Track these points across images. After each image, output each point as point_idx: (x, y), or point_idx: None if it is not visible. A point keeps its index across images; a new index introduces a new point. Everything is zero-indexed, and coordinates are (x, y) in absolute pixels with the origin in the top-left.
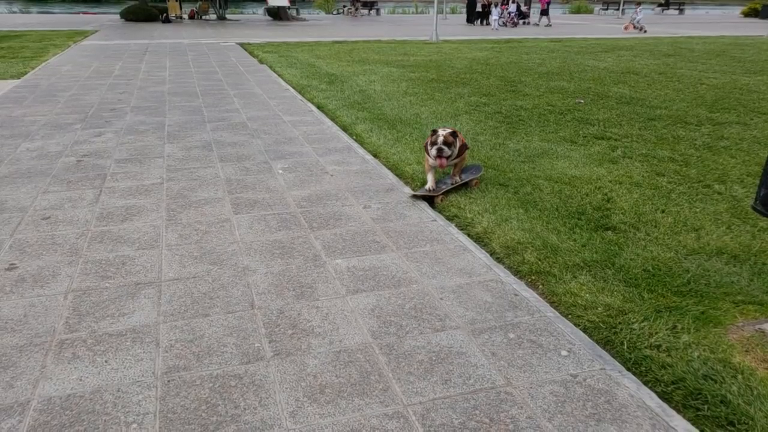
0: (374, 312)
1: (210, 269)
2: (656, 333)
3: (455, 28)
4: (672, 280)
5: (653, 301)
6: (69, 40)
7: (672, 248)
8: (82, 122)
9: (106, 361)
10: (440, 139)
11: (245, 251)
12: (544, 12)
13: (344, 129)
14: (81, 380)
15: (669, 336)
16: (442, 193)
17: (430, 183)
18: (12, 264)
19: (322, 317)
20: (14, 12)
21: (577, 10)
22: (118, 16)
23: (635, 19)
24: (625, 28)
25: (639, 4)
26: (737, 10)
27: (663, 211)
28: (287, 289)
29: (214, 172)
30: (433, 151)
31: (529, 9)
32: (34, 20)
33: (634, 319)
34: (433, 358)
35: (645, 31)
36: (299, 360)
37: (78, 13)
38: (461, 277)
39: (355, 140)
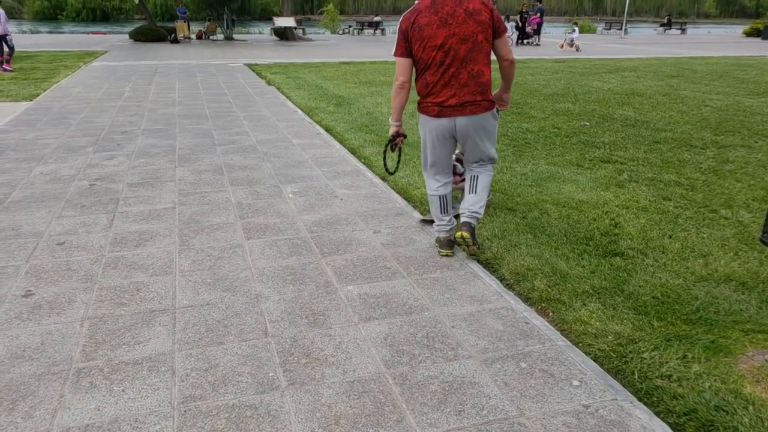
0: (387, 340)
1: (223, 296)
2: (667, 362)
3: None
4: (681, 307)
5: (663, 330)
6: (79, 61)
7: (680, 275)
8: (94, 145)
9: (123, 390)
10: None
11: (258, 277)
12: (536, 31)
13: (352, 152)
14: (99, 410)
15: (680, 366)
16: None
17: None
18: (28, 291)
19: (335, 346)
20: (24, 32)
21: (580, 30)
22: (127, 36)
23: (569, 38)
24: (560, 46)
25: (576, 24)
26: (739, 30)
27: (670, 237)
28: (300, 317)
29: (226, 196)
30: None
31: (537, 28)
32: (45, 40)
33: (645, 348)
34: (447, 388)
35: (578, 50)
36: (314, 390)
37: (87, 33)
38: (472, 305)
39: (364, 163)
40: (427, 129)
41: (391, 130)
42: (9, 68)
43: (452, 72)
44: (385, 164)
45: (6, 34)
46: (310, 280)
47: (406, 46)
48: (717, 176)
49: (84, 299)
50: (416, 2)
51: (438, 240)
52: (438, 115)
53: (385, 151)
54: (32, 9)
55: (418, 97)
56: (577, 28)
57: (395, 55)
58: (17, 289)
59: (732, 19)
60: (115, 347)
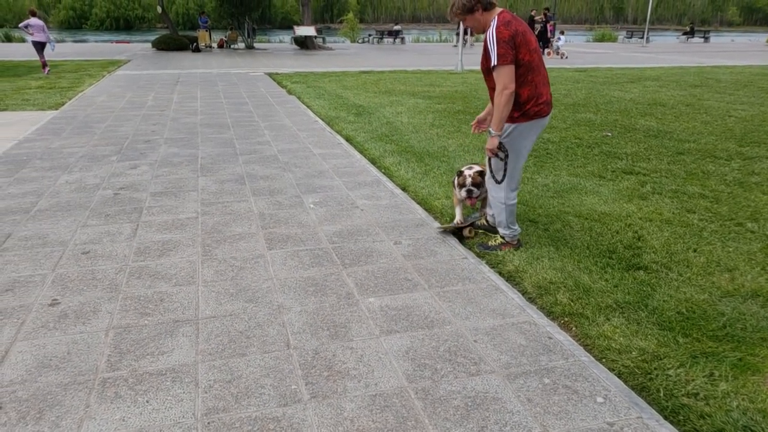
0: (408, 354)
1: (246, 307)
2: (693, 380)
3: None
4: (707, 323)
5: (688, 346)
6: (103, 70)
7: (706, 290)
8: (118, 154)
9: (147, 401)
10: (468, 181)
11: (280, 288)
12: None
13: (373, 162)
14: (124, 420)
15: (706, 384)
16: (470, 225)
17: (458, 217)
18: (54, 300)
19: (357, 359)
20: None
21: (601, 38)
22: (149, 45)
23: (555, 45)
24: (548, 54)
25: (563, 33)
26: (763, 38)
27: (695, 250)
28: (322, 329)
29: (248, 206)
30: (463, 193)
31: (551, 35)
32: (69, 49)
33: (670, 365)
34: (469, 404)
35: (566, 57)
36: (336, 403)
37: (111, 42)
38: (494, 319)
39: (384, 174)
40: (532, 132)
41: (495, 142)
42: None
43: (543, 73)
44: (493, 175)
45: (46, 42)
46: (332, 292)
47: (514, 53)
48: (743, 188)
49: (109, 309)
50: (498, 17)
51: (510, 243)
52: (547, 113)
53: (489, 162)
54: (57, 18)
55: (519, 107)
56: (563, 37)
57: (505, 63)
58: (44, 298)
59: (756, 27)
60: (139, 357)
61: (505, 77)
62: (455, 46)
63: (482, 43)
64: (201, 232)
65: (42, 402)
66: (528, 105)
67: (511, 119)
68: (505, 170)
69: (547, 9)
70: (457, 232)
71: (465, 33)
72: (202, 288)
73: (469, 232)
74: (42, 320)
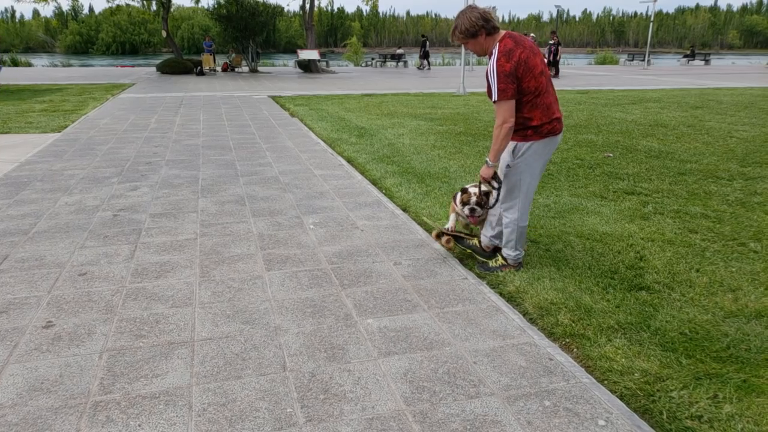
0: (407, 376)
1: (242, 329)
2: (697, 402)
3: (482, 80)
4: (710, 344)
5: (692, 368)
6: (107, 93)
7: (709, 310)
8: (119, 176)
9: (139, 425)
10: (473, 200)
11: (277, 310)
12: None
13: (374, 183)
14: None
15: (710, 406)
16: (453, 235)
17: (450, 223)
18: (49, 322)
19: (354, 381)
20: (56, 65)
21: (603, 61)
22: (154, 69)
23: None
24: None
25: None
26: (764, 61)
27: (698, 271)
28: (318, 351)
29: (247, 227)
30: (466, 211)
31: (553, 58)
32: (75, 73)
33: (673, 387)
34: (468, 427)
35: None
36: (332, 427)
37: (116, 66)
38: (494, 340)
39: (385, 194)
40: (546, 151)
41: (490, 172)
42: None
43: (552, 91)
44: (490, 202)
45: None
46: (330, 313)
47: (515, 87)
48: (745, 208)
49: (104, 331)
50: (499, 45)
51: (511, 265)
52: (560, 131)
53: (488, 190)
54: (64, 43)
55: (530, 128)
56: None
57: (505, 98)
58: (38, 320)
59: (756, 50)
60: (132, 380)
61: (505, 112)
62: (420, 68)
63: (480, 67)
64: (199, 254)
65: (32, 426)
66: (540, 125)
67: (525, 138)
68: (498, 198)
69: (554, 32)
70: (439, 237)
71: (426, 57)
72: (199, 310)
73: (447, 242)
74: (35, 343)
